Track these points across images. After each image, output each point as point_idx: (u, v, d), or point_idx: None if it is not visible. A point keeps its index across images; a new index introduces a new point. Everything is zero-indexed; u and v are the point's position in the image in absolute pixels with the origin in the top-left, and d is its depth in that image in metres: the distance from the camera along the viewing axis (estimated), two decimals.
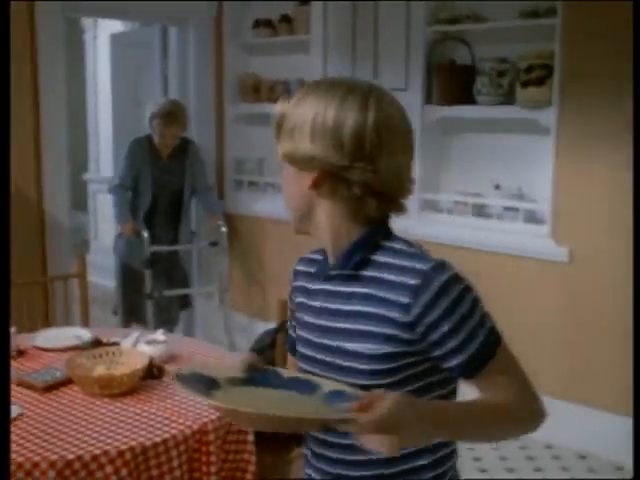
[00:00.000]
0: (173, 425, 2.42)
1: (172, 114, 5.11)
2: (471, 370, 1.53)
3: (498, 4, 4.47)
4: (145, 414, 2.50)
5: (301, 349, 1.71)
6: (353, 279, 1.61)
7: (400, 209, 1.63)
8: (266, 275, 5.82)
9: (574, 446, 4.22)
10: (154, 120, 5.13)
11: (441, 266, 1.54)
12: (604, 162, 4.06)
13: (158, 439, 2.33)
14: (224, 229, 5.51)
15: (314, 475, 1.74)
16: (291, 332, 1.82)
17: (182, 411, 2.52)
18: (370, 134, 1.53)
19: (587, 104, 4.08)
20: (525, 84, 4.25)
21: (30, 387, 2.72)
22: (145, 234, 5.12)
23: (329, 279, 1.65)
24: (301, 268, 1.78)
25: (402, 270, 1.55)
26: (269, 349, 3.26)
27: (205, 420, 2.45)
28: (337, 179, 1.57)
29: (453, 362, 1.52)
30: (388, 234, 1.64)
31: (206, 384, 1.58)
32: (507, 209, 4.55)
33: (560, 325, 4.31)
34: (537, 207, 4.48)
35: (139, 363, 2.74)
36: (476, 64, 4.55)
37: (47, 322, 4.23)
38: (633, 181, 3.74)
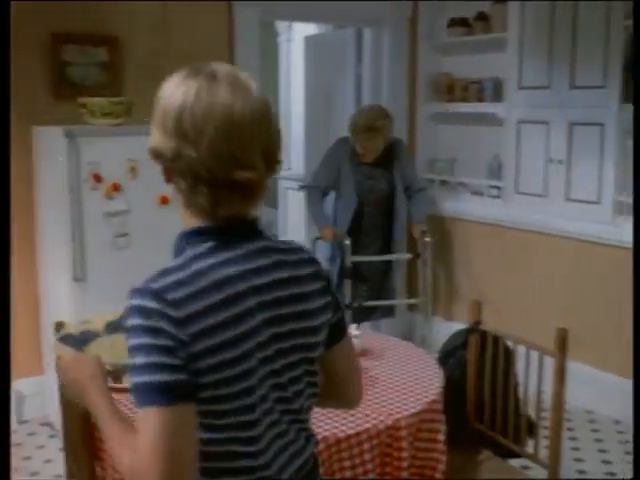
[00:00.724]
0: (366, 419, 2.44)
1: (374, 129, 4.81)
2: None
3: None
4: None
5: None
6: None
7: (244, 207, 1.51)
8: (454, 275, 5.77)
9: None
10: (355, 132, 4.85)
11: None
12: None
13: (351, 431, 2.36)
14: (428, 239, 5.16)
15: None
16: None
17: (375, 406, 2.53)
18: (188, 118, 1.44)
19: None
20: None
21: None
22: (347, 242, 4.87)
23: None
24: None
25: None
26: (461, 349, 3.22)
27: (398, 416, 2.46)
28: (173, 170, 1.50)
29: None
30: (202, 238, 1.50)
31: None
32: None
33: None
34: None
35: None
36: None
37: None
38: (633, 180, 3.59)
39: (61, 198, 4.12)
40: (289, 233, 8.56)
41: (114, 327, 2.44)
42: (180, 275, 1.44)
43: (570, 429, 4.48)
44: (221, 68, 1.53)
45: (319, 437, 2.28)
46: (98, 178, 4.15)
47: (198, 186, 1.47)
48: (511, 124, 5.29)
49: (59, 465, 3.99)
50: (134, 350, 1.38)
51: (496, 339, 3.07)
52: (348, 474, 2.35)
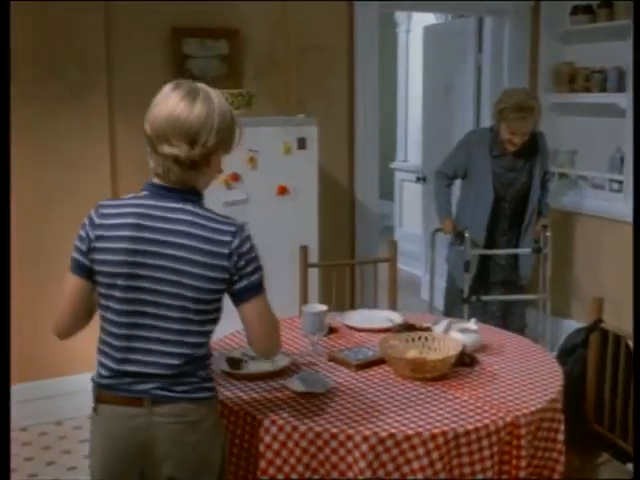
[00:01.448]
0: (485, 415, 2.41)
1: (527, 107, 4.49)
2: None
3: None
4: (457, 400, 2.51)
5: None
6: None
7: (184, 176, 2.18)
8: (575, 272, 5.63)
9: None
10: (504, 112, 4.51)
11: None
12: None
13: (470, 427, 2.33)
14: (549, 234, 4.93)
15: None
16: None
17: (494, 402, 2.50)
18: (150, 113, 2.24)
19: None
20: None
21: (342, 363, 2.83)
22: (466, 234, 4.67)
23: None
24: None
25: None
26: (581, 347, 3.14)
27: (517, 414, 2.42)
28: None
29: None
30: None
31: None
32: None
33: None
34: None
35: (452, 350, 2.76)
36: None
37: (352, 303, 4.39)
38: (633, 180, 3.50)
39: None
40: (405, 225, 8.54)
41: None
42: (116, 202, 2.26)
43: None
44: (186, 85, 2.28)
45: (437, 432, 2.29)
46: None
47: (151, 154, 2.20)
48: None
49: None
50: None
51: (617, 338, 2.98)
52: (466, 470, 2.33)
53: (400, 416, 2.40)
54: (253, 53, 4.97)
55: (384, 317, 3.35)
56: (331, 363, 2.86)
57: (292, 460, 2.33)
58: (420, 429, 2.31)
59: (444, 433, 2.30)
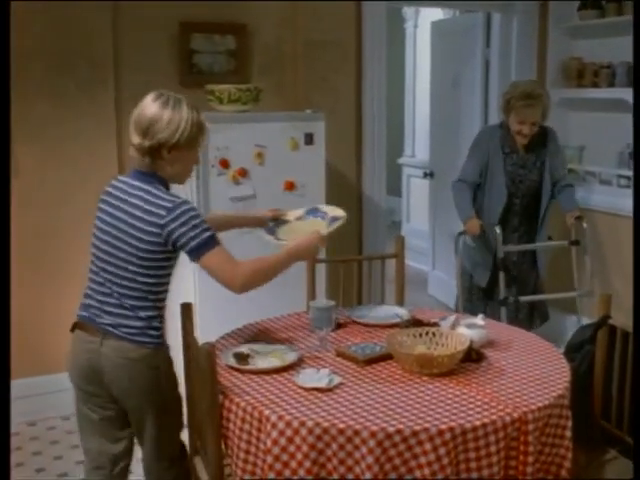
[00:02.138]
0: (492, 411, 2.40)
1: (535, 95, 4.45)
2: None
3: None
4: (464, 396, 2.51)
5: None
6: None
7: (148, 163, 2.72)
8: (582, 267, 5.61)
9: None
10: (512, 102, 4.48)
11: None
12: None
13: (478, 423, 2.33)
14: (585, 225, 4.77)
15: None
16: None
17: (502, 398, 2.50)
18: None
19: None
20: None
21: (350, 359, 2.83)
22: (498, 230, 4.53)
23: None
24: None
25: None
26: (589, 343, 3.13)
27: (525, 410, 2.41)
28: None
29: None
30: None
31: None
32: None
33: None
34: None
35: (459, 345, 2.75)
36: None
37: (359, 298, 4.39)
38: (633, 181, 3.55)
39: (188, 183, 4.22)
40: (412, 220, 8.54)
41: (298, 218, 3.38)
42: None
43: None
44: (164, 94, 2.77)
45: (444, 427, 2.28)
46: (225, 164, 4.23)
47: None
48: None
49: None
50: None
51: (626, 335, 2.97)
52: (473, 465, 2.33)
53: (407, 412, 2.40)
54: (261, 48, 4.97)
55: (392, 312, 3.35)
56: (338, 358, 2.86)
57: (299, 456, 2.33)
58: (427, 425, 2.31)
59: (451, 429, 2.30)
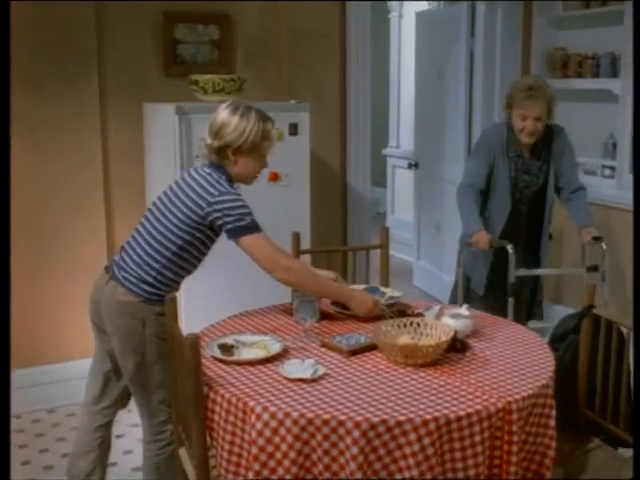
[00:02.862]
0: (477, 401, 2.40)
1: (537, 87, 4.13)
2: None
3: None
4: (449, 387, 2.51)
5: None
6: None
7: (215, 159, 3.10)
8: (566, 257, 5.64)
9: None
10: (513, 97, 4.17)
11: None
12: None
13: (462, 413, 2.33)
14: (605, 246, 4.22)
15: None
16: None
17: (486, 387, 2.50)
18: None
19: None
20: None
21: (335, 349, 2.83)
22: (510, 249, 4.07)
23: None
24: None
25: None
26: (573, 333, 3.13)
27: (509, 399, 2.42)
28: None
29: None
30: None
31: None
32: None
33: None
34: None
35: (444, 335, 2.76)
36: None
37: None
38: (633, 182, 3.53)
39: (172, 174, 4.20)
40: (397, 211, 8.54)
41: None
42: None
43: None
44: (241, 103, 3.15)
45: (428, 417, 2.29)
46: None
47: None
48: (627, 101, 5.12)
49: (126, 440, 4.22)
50: None
51: (609, 324, 2.99)
52: (458, 455, 2.33)
53: (392, 402, 2.40)
54: (244, 38, 4.96)
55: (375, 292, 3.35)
56: (323, 349, 2.86)
57: (284, 446, 2.33)
58: (412, 415, 2.31)
59: (436, 419, 2.30)
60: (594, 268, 4.22)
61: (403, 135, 8.46)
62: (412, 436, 2.28)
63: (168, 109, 4.21)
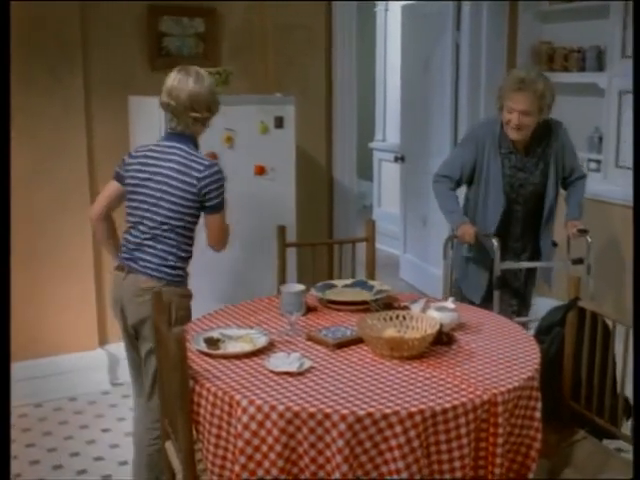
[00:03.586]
0: (462, 393, 2.41)
1: (528, 80, 3.84)
2: None
3: None
4: (434, 379, 2.51)
5: None
6: None
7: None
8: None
9: None
10: (503, 87, 3.94)
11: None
12: None
13: (448, 405, 2.34)
14: (590, 239, 4.14)
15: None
16: None
17: (472, 380, 2.51)
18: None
19: None
20: None
21: (321, 343, 2.83)
22: (495, 242, 3.97)
23: None
24: None
25: None
26: (558, 326, 3.15)
27: (495, 392, 2.43)
28: None
29: None
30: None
31: None
32: None
33: None
34: None
35: (430, 328, 2.76)
36: None
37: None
38: (633, 181, 3.54)
39: None
40: (383, 204, 8.54)
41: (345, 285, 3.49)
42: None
43: None
44: (191, 68, 3.24)
45: (414, 410, 2.29)
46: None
47: (172, 117, 3.25)
48: (613, 95, 5.15)
49: (113, 435, 4.20)
50: None
51: (595, 316, 3.00)
52: (443, 447, 2.34)
53: (378, 395, 2.40)
54: (230, 31, 4.94)
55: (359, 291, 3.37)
56: (309, 342, 2.86)
57: (270, 440, 2.33)
58: (398, 408, 2.31)
59: (422, 411, 2.30)
60: (579, 261, 4.18)
61: (389, 128, 8.46)
62: (398, 428, 2.29)
63: (153, 102, 4.16)
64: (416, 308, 3.02)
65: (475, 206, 4.17)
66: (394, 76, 7.75)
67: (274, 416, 2.32)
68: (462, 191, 4.31)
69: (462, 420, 2.35)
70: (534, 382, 2.60)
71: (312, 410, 2.31)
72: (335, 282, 3.50)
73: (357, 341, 2.83)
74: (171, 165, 3.13)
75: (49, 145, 4.45)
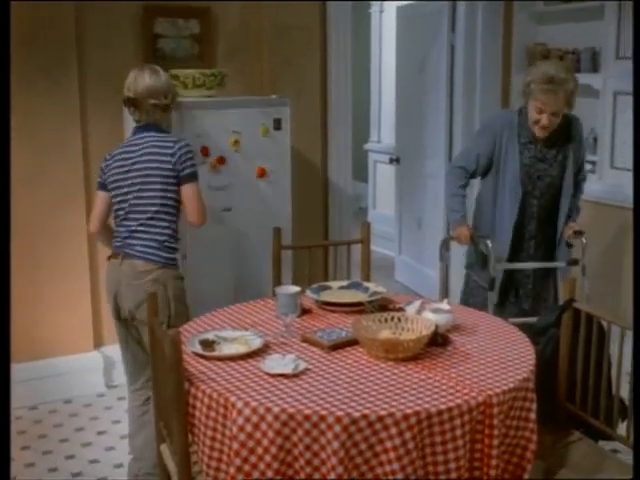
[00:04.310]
0: (458, 395, 2.41)
1: (558, 80, 3.71)
2: None
3: None
4: (430, 381, 2.51)
5: None
6: None
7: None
8: None
9: None
10: (531, 86, 3.78)
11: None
12: None
13: (443, 407, 2.34)
14: (585, 240, 4.04)
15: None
16: None
17: (467, 382, 2.51)
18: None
19: None
20: None
21: (316, 344, 2.83)
22: (489, 243, 3.91)
23: None
24: None
25: None
26: (554, 327, 3.15)
27: (490, 393, 2.43)
28: None
29: None
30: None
31: None
32: None
33: None
34: None
35: (425, 330, 2.76)
36: None
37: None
38: (633, 181, 3.54)
39: None
40: (379, 206, 8.54)
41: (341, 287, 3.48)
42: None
43: None
44: (146, 65, 3.56)
45: (409, 412, 2.29)
46: (206, 151, 4.21)
47: (134, 110, 3.58)
48: (607, 96, 5.15)
49: (108, 437, 4.19)
50: None
51: (590, 318, 3.00)
52: (439, 449, 2.34)
53: (373, 397, 2.40)
54: (225, 33, 4.94)
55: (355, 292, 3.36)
56: (304, 344, 2.85)
57: (265, 442, 2.32)
58: (393, 409, 2.31)
59: (417, 413, 2.30)
60: (574, 262, 4.10)
61: (384, 130, 8.46)
62: (393, 430, 2.28)
63: None
64: (411, 310, 3.02)
65: (489, 198, 4.07)
66: (389, 77, 7.74)
67: (269, 418, 2.32)
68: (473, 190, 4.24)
69: (457, 422, 2.35)
70: (529, 383, 2.60)
71: (307, 412, 2.31)
72: (330, 284, 3.50)
73: (352, 343, 2.83)
74: (145, 151, 3.39)
75: (46, 146, 4.44)
